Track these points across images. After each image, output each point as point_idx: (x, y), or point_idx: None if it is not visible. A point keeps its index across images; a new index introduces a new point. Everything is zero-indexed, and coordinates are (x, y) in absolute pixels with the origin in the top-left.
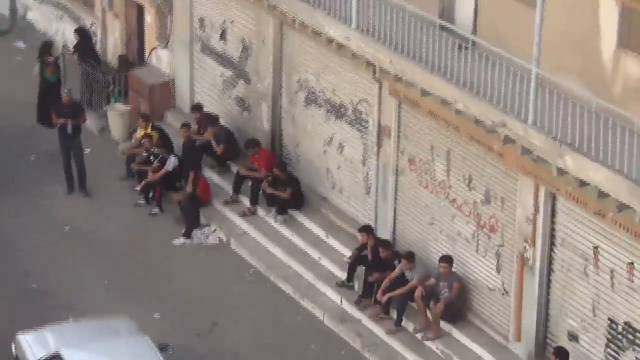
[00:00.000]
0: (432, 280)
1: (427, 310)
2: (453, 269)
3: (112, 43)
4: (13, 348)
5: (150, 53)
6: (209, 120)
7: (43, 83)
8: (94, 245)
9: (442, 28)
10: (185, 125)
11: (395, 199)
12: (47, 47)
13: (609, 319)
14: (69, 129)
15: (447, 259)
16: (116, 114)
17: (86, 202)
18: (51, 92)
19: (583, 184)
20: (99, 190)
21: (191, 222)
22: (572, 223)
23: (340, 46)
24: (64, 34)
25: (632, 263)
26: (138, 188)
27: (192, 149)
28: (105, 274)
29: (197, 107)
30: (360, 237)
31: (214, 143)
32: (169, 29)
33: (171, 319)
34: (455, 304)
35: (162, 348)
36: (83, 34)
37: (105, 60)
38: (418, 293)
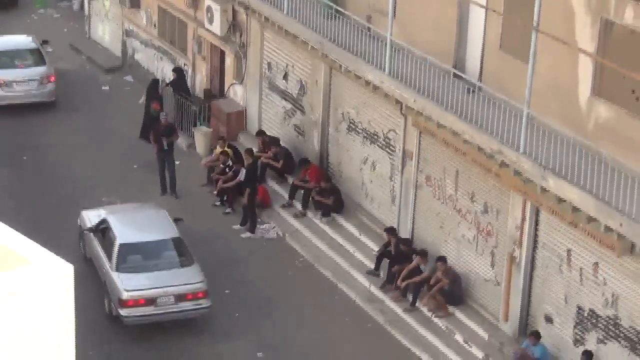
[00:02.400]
0: (439, 273)
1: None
2: (449, 265)
3: (199, 79)
4: (78, 221)
5: (228, 88)
6: (272, 141)
7: (148, 110)
8: None
9: (455, 76)
10: (249, 150)
11: (414, 207)
12: (154, 84)
13: (578, 306)
14: (165, 146)
15: (442, 259)
16: (201, 134)
17: (175, 202)
18: (153, 121)
19: (561, 200)
20: (185, 193)
21: (252, 221)
22: (551, 230)
23: (375, 87)
24: (163, 71)
25: (597, 263)
26: (215, 192)
27: (253, 171)
28: None
29: (260, 133)
30: (385, 236)
31: (273, 162)
32: (244, 70)
33: (238, 295)
34: (454, 291)
35: (176, 220)
36: (179, 72)
37: (194, 93)
38: (432, 282)
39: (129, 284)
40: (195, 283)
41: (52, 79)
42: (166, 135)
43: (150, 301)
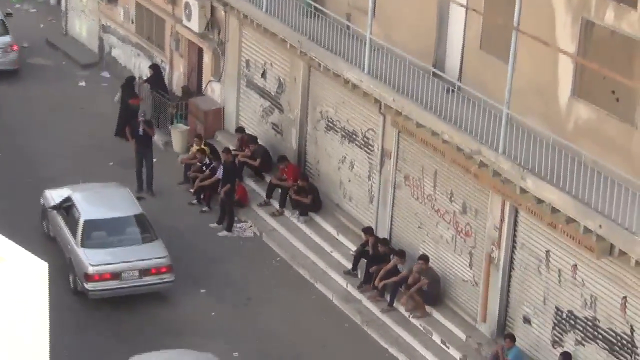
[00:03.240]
0: (415, 274)
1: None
2: (430, 265)
3: (177, 77)
4: (41, 200)
5: (206, 85)
6: (250, 139)
7: (124, 105)
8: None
9: (435, 75)
10: (227, 149)
11: (393, 207)
12: (129, 81)
13: (556, 307)
14: (140, 131)
15: (423, 257)
16: (178, 132)
17: (152, 200)
18: (130, 113)
19: (540, 201)
20: (161, 191)
21: (229, 220)
22: (530, 231)
23: (354, 86)
24: (140, 68)
25: (576, 265)
26: (192, 190)
27: (231, 169)
28: None
29: (240, 130)
30: (363, 236)
31: (250, 160)
32: (222, 68)
33: (214, 294)
34: (432, 291)
35: (139, 198)
36: (156, 69)
37: (171, 90)
38: (410, 281)
39: (94, 259)
40: (159, 258)
41: (15, 47)
42: (144, 124)
43: (115, 275)
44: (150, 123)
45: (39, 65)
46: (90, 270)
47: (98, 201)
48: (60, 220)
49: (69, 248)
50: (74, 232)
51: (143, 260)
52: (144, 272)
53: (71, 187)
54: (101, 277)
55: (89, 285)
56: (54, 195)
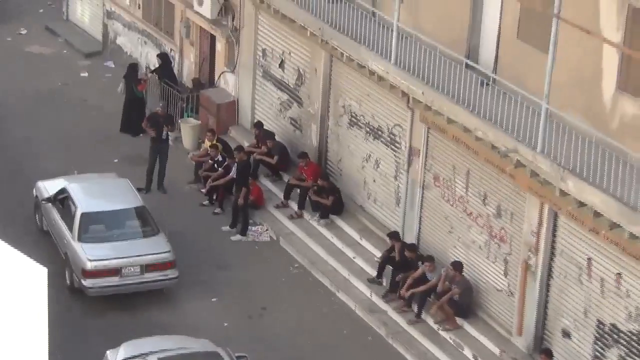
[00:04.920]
0: (446, 283)
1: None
2: (463, 273)
3: (187, 67)
4: (34, 191)
5: (219, 76)
6: (267, 135)
7: (129, 97)
8: None
9: (468, 66)
10: (240, 148)
11: (421, 209)
12: (133, 67)
13: (598, 320)
14: (164, 135)
15: (456, 264)
16: (188, 127)
17: (160, 200)
18: (136, 106)
19: (581, 204)
20: (171, 192)
21: (243, 223)
22: (570, 237)
23: (380, 78)
24: (147, 57)
25: (620, 274)
26: (204, 191)
27: (245, 169)
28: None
29: (258, 125)
30: (389, 241)
31: (267, 158)
32: (236, 57)
33: (227, 303)
34: (464, 301)
35: (139, 189)
36: (164, 58)
37: (181, 81)
38: (440, 290)
39: (92, 254)
40: (161, 253)
41: None
42: (166, 125)
43: (115, 271)
44: (171, 118)
45: (37, 54)
46: (89, 265)
47: (95, 192)
48: (55, 213)
49: (65, 243)
50: (70, 226)
51: (145, 255)
52: (146, 267)
53: (66, 177)
54: (100, 273)
55: (87, 282)
56: (48, 187)
